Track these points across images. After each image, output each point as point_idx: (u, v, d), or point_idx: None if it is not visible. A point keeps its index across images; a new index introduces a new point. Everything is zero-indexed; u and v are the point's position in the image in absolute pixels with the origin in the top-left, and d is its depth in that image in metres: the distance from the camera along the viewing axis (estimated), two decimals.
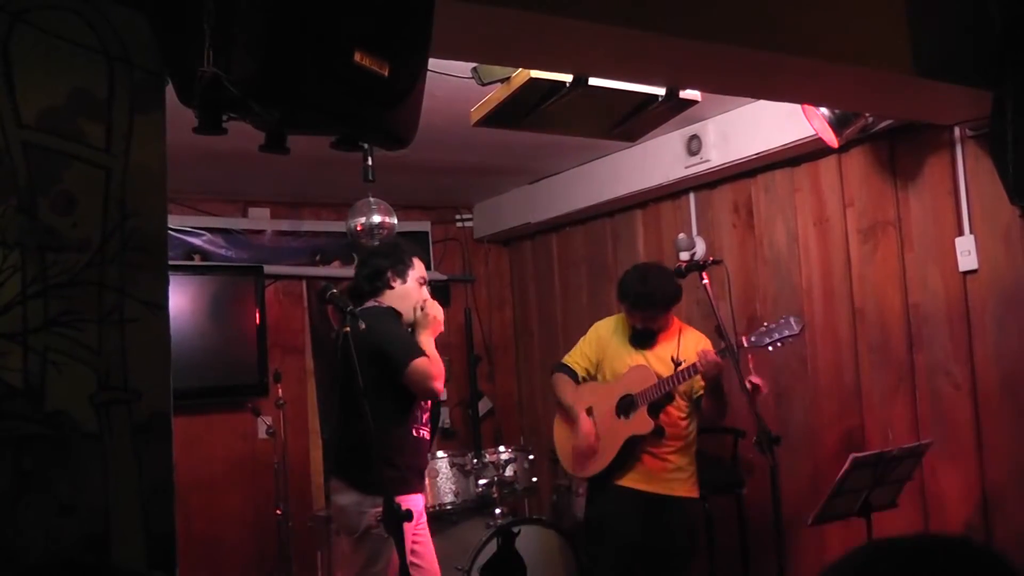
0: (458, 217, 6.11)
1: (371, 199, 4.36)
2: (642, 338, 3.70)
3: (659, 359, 3.65)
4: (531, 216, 5.57)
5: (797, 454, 4.09)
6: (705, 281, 3.19)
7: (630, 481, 3.60)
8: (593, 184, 5.04)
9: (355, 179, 4.00)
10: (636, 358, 3.69)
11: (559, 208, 5.33)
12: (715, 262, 3.26)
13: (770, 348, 3.21)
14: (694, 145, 4.33)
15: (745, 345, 3.24)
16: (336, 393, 3.03)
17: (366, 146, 2.09)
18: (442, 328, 3.20)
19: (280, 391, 4.72)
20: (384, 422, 2.97)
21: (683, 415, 3.65)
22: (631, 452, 3.58)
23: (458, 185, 5.52)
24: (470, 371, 5.78)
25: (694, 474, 3.68)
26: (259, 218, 5.42)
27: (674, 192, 4.77)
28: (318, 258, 5.55)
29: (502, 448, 4.46)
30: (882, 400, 3.80)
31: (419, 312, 3.17)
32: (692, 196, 4.72)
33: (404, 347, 3.01)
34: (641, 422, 3.54)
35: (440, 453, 4.39)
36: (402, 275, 3.20)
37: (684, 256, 4.52)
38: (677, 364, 3.58)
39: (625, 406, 3.61)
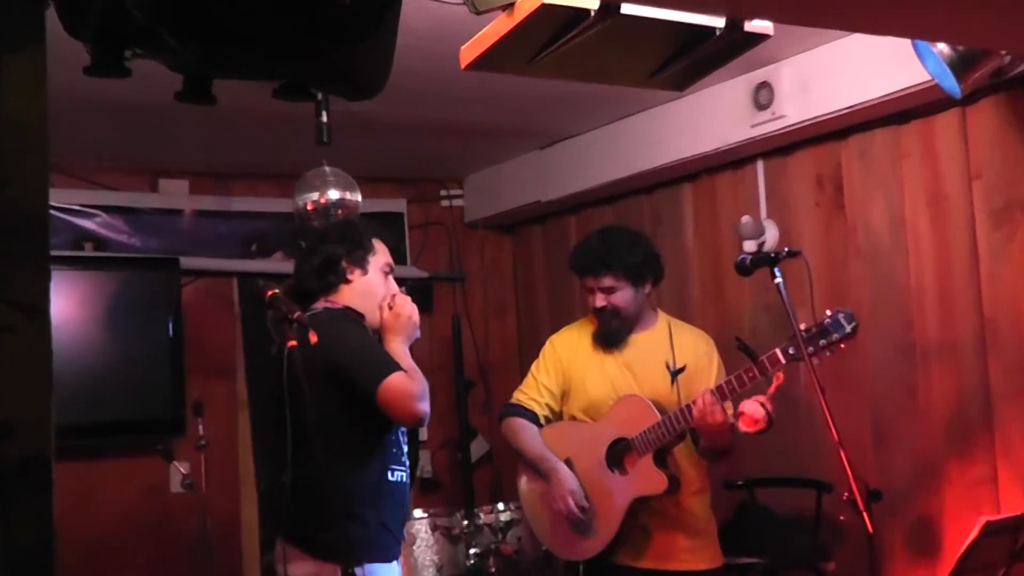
0: (443, 194, 6.13)
1: (326, 169, 4.38)
2: (611, 335, 3.71)
3: (648, 368, 3.67)
4: (542, 193, 5.60)
5: (902, 514, 4.09)
6: (778, 280, 3.19)
7: (638, 559, 3.62)
8: (626, 149, 5.05)
9: (305, 142, 3.99)
10: (615, 370, 3.72)
11: (579, 182, 5.35)
12: (791, 254, 3.26)
13: (815, 360, 3.20)
14: (763, 96, 4.34)
15: (782, 360, 3.25)
16: (280, 428, 3.03)
17: (319, 95, 2.09)
18: (418, 332, 3.21)
19: (202, 428, 4.72)
20: (346, 462, 2.98)
21: (689, 455, 3.68)
22: (634, 518, 3.60)
23: (443, 151, 5.53)
24: (459, 401, 5.80)
25: (714, 532, 3.73)
26: (174, 193, 5.43)
27: (736, 160, 4.78)
28: (254, 248, 5.57)
29: (501, 506, 4.49)
30: (1023, 442, 3.80)
31: (386, 311, 3.18)
32: (760, 165, 4.73)
33: (372, 360, 3.02)
34: (648, 477, 3.55)
35: (418, 512, 4.40)
36: (361, 263, 3.21)
37: (749, 246, 4.52)
38: (676, 373, 3.61)
39: (618, 455, 3.63)
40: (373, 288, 3.21)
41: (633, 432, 3.57)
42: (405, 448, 3.18)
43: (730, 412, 3.50)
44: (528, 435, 3.80)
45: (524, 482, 3.88)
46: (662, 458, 3.58)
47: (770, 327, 4.55)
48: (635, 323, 3.73)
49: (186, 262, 5.23)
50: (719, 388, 3.40)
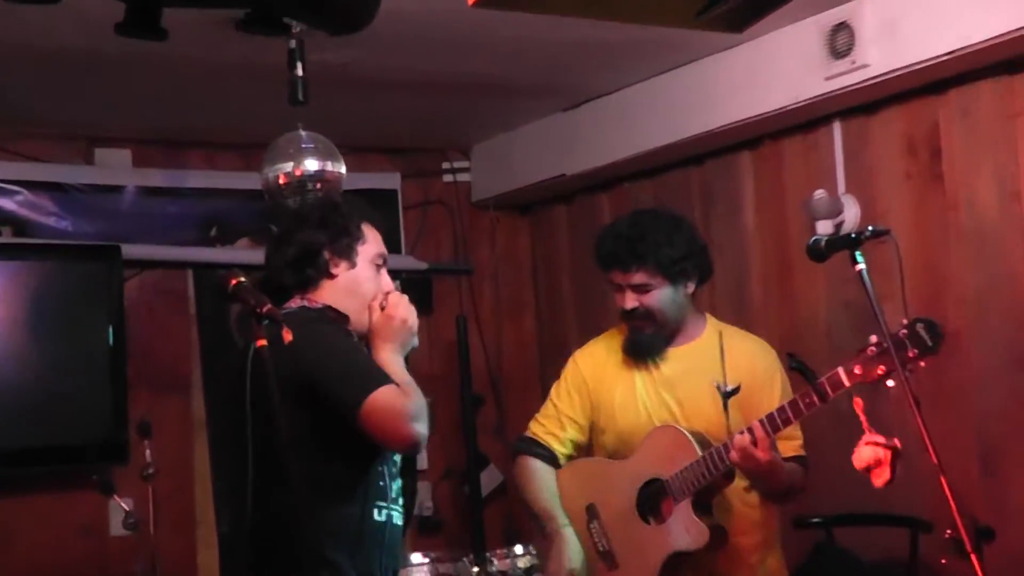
0: (447, 167, 6.12)
1: (302, 134, 4.36)
2: (643, 345, 3.70)
3: (692, 389, 3.66)
4: (567, 165, 5.59)
5: (1020, 557, 4.06)
6: (860, 266, 3.14)
7: None
8: (670, 110, 5.02)
9: (276, 100, 3.99)
10: (650, 392, 3.71)
11: (613, 151, 5.33)
12: (877, 233, 3.20)
13: (889, 383, 3.19)
14: (841, 40, 4.31)
15: (845, 383, 3.24)
16: (246, 453, 3.03)
17: (294, 28, 2.07)
18: (415, 339, 3.21)
19: (149, 454, 4.67)
20: (320, 497, 2.96)
21: (748, 489, 3.66)
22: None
23: (446, 113, 5.50)
24: (466, 422, 5.78)
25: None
26: (114, 166, 5.42)
27: (807, 121, 4.76)
28: (214, 233, 5.54)
29: (519, 549, 4.48)
30: None
31: (377, 313, 3.18)
32: (837, 127, 4.71)
33: (355, 371, 3.00)
34: (686, 527, 3.55)
35: (416, 557, 4.38)
36: (347, 254, 3.19)
37: (823, 227, 4.50)
38: (727, 394, 3.58)
39: (651, 499, 3.62)
40: (361, 284, 3.20)
41: (669, 471, 3.56)
42: (395, 482, 3.17)
43: (796, 441, 3.51)
44: (538, 483, 3.81)
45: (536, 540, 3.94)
46: (705, 503, 3.57)
47: (850, 329, 4.53)
48: (675, 331, 3.71)
49: (129, 251, 5.20)
50: (769, 419, 3.38)
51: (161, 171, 5.48)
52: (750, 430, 3.38)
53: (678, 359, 3.71)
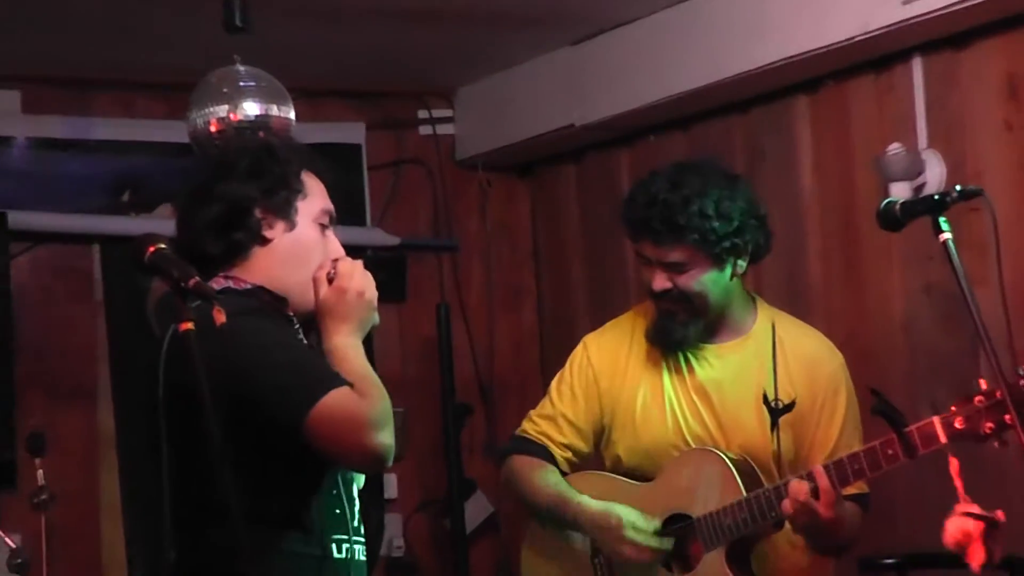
0: (424, 116, 6.13)
1: (240, 68, 4.34)
2: (671, 335, 3.66)
3: (734, 400, 3.67)
4: (576, 113, 5.60)
5: None
6: (945, 235, 3.13)
7: None
8: (706, 44, 5.04)
9: (208, 29, 3.94)
10: (681, 398, 3.69)
11: (634, 95, 5.35)
12: (966, 195, 3.21)
13: (996, 443, 3.18)
14: None
15: (941, 438, 3.23)
16: (171, 468, 2.92)
17: None
18: (375, 315, 3.17)
19: (42, 475, 4.66)
20: (262, 531, 2.91)
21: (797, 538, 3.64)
22: None
23: (424, 47, 5.52)
24: (448, 439, 5.79)
25: None
26: None
27: (880, 57, 4.78)
28: (127, 197, 5.56)
29: None
30: None
31: (324, 286, 3.14)
32: (917, 64, 4.72)
33: (298, 376, 2.97)
34: None
35: None
36: (284, 211, 3.14)
37: (898, 189, 4.51)
38: (778, 412, 3.59)
39: (679, 540, 3.63)
40: (304, 250, 3.15)
41: (701, 508, 3.57)
42: (354, 506, 3.14)
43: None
44: (539, 474, 3.78)
45: (528, 555, 3.89)
46: (743, 553, 3.57)
47: (933, 320, 4.55)
48: (717, 322, 3.70)
49: (18, 219, 5.23)
50: (837, 466, 3.35)
51: (59, 118, 5.49)
52: (811, 476, 3.35)
53: (719, 359, 3.70)
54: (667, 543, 3.58)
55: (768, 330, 3.70)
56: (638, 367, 3.77)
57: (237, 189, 3.10)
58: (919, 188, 4.53)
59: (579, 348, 3.90)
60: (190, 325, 2.62)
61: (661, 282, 3.59)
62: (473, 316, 6.11)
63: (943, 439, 3.22)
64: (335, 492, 3.07)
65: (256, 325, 3.01)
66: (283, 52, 4.59)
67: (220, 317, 2.65)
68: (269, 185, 3.11)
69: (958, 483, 3.15)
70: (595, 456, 3.86)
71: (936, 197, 3.18)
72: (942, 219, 3.14)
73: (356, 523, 3.11)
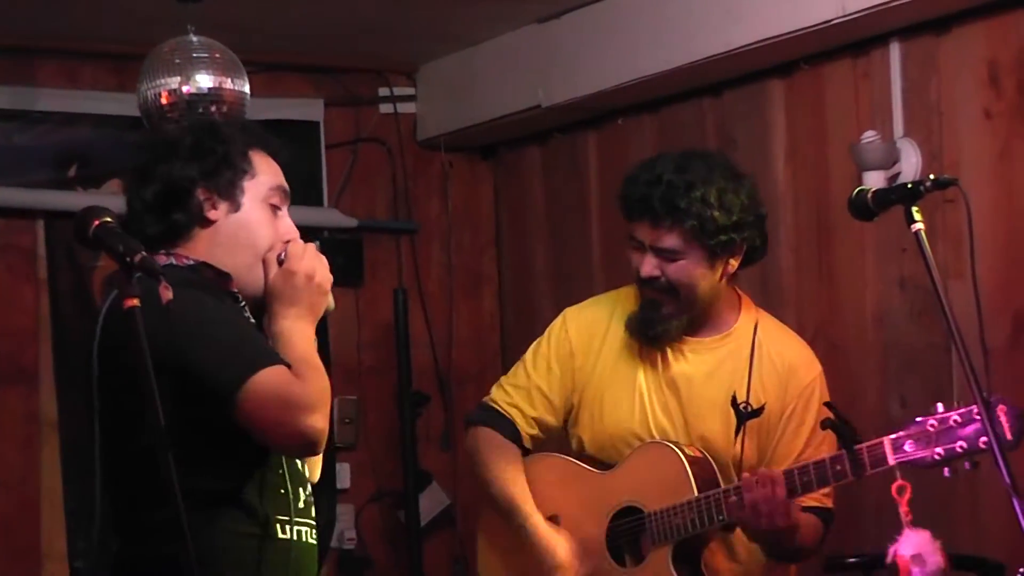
0: (384, 93, 6.13)
1: (193, 39, 4.35)
2: (650, 325, 3.66)
3: (703, 399, 3.69)
4: (543, 93, 5.59)
5: None
6: (917, 226, 3.15)
7: None
8: (679, 23, 5.04)
9: None
10: (652, 389, 3.70)
11: (603, 76, 5.34)
12: (940, 185, 3.22)
13: (946, 472, 3.22)
14: None
15: (889, 461, 3.25)
16: (111, 454, 2.98)
17: None
18: (330, 300, 3.17)
19: None
20: (210, 515, 2.95)
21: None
22: None
23: (385, 21, 5.52)
24: (404, 429, 5.79)
25: None
26: None
27: (856, 42, 4.77)
28: (73, 172, 5.56)
29: None
30: None
31: (274, 268, 3.13)
32: (895, 49, 4.71)
33: (233, 349, 2.97)
34: None
35: None
36: (228, 192, 3.13)
37: (873, 178, 4.49)
38: (746, 415, 3.61)
39: (630, 533, 3.68)
40: (251, 232, 3.15)
41: (653, 503, 3.61)
42: (301, 488, 3.14)
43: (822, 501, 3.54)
44: (503, 462, 3.79)
45: (483, 540, 3.94)
46: (691, 553, 3.61)
47: (907, 315, 4.54)
48: (700, 318, 3.70)
49: None
50: (786, 476, 3.39)
51: (4, 88, 5.44)
52: (772, 482, 3.37)
53: (695, 354, 3.72)
54: None
55: (749, 331, 3.72)
56: (612, 351, 3.78)
57: (177, 170, 3.10)
58: (894, 177, 4.51)
59: (559, 320, 3.91)
60: (135, 301, 2.62)
61: (650, 268, 3.60)
62: (432, 302, 6.11)
63: (891, 462, 3.25)
64: (280, 472, 3.08)
65: (195, 299, 3.00)
66: (239, 23, 4.57)
67: (167, 294, 2.66)
68: (211, 166, 3.11)
69: (904, 511, 3.17)
70: (562, 432, 3.87)
71: (909, 186, 3.20)
72: (915, 209, 3.15)
73: (302, 504, 3.12)
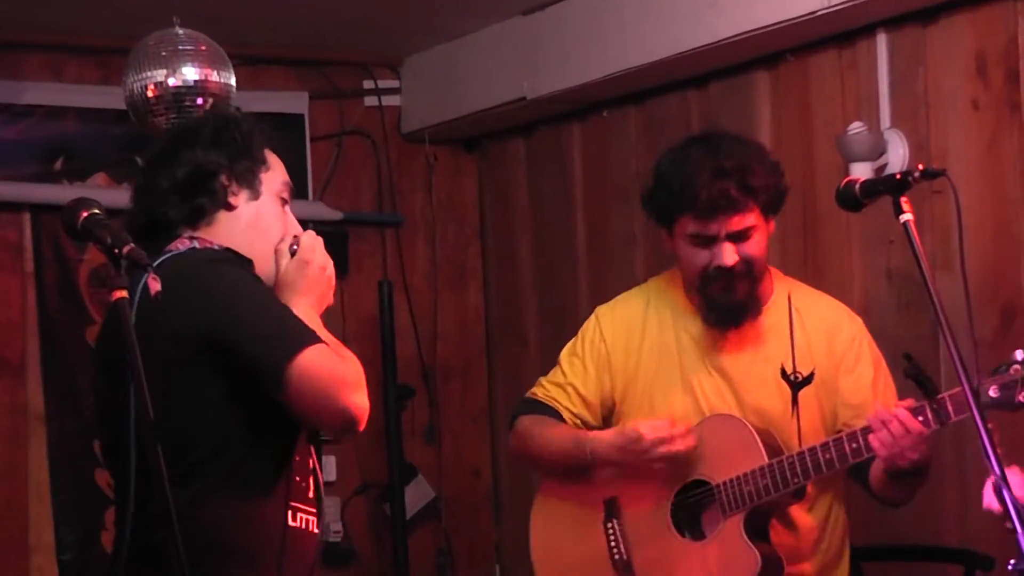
0: (368, 86, 6.14)
1: (179, 32, 4.33)
2: (742, 308, 3.66)
3: (754, 377, 3.71)
4: (527, 86, 5.59)
5: None
6: (906, 216, 3.14)
7: None
8: (663, 16, 5.02)
9: None
10: (702, 379, 3.71)
11: (587, 68, 5.34)
12: (928, 175, 3.21)
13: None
14: None
15: (991, 394, 3.23)
16: (101, 454, 3.01)
17: None
18: (331, 296, 3.19)
19: None
20: (221, 494, 2.98)
21: (810, 508, 3.69)
22: None
23: (370, 14, 5.51)
24: (389, 422, 5.79)
25: None
26: None
27: (843, 33, 4.77)
28: (60, 165, 5.54)
29: None
30: None
31: (286, 258, 3.16)
32: (882, 39, 4.72)
33: (279, 325, 3.00)
34: (732, 553, 3.59)
35: None
36: (249, 181, 3.18)
37: (860, 170, 4.50)
38: (798, 384, 3.62)
39: (693, 508, 3.68)
40: (266, 221, 3.18)
41: (721, 475, 3.61)
42: (312, 477, 3.16)
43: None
44: (551, 425, 3.81)
45: (538, 515, 3.90)
46: (761, 524, 3.61)
47: (894, 306, 4.55)
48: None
49: None
50: (865, 432, 3.38)
51: None
52: (896, 418, 3.33)
53: (737, 334, 3.71)
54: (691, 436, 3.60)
55: (784, 302, 3.73)
56: (654, 347, 3.79)
57: (203, 154, 3.14)
58: (880, 169, 4.52)
59: (591, 320, 3.91)
60: (124, 293, 2.63)
61: (732, 255, 3.58)
62: (417, 295, 6.12)
63: (991, 390, 3.24)
64: (298, 459, 3.10)
65: (235, 274, 3.05)
66: (222, 18, 4.56)
67: (155, 285, 2.66)
68: (234, 153, 3.15)
69: (990, 452, 3.06)
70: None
71: (897, 177, 3.19)
72: (903, 200, 3.15)
73: (311, 494, 3.13)
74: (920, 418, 3.31)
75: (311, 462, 3.16)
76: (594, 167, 5.68)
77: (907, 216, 3.13)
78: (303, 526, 3.10)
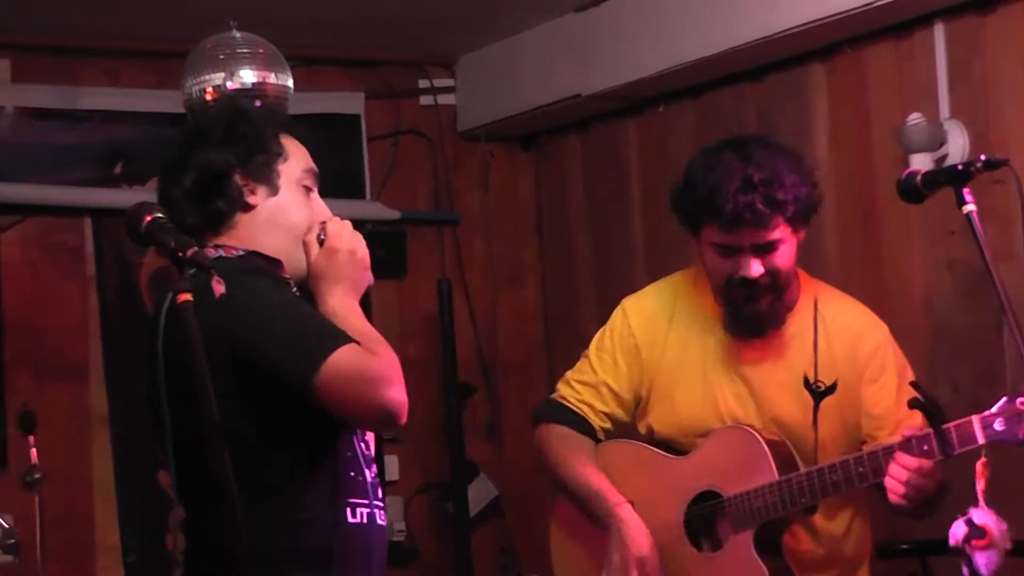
0: (424, 86, 6.14)
1: (236, 35, 4.33)
2: (765, 318, 3.64)
3: (773, 385, 3.69)
4: (582, 83, 5.61)
5: None
6: (968, 208, 3.15)
7: None
8: (719, 9, 5.04)
9: None
10: (723, 383, 3.71)
11: (642, 64, 5.34)
12: (991, 165, 3.21)
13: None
14: None
15: (979, 439, 3.21)
16: (167, 447, 3.01)
17: None
18: (369, 275, 3.17)
19: (35, 454, 4.68)
20: (271, 499, 2.98)
21: (830, 517, 3.68)
22: None
23: (425, 13, 5.52)
24: (449, 420, 5.81)
25: None
26: None
27: (900, 23, 4.76)
28: (119, 170, 5.56)
29: None
30: None
31: (315, 248, 3.15)
32: (940, 29, 4.71)
33: (304, 333, 2.99)
34: (741, 567, 3.60)
35: None
36: (265, 176, 3.15)
37: (919, 160, 4.49)
38: (820, 394, 3.60)
39: (707, 518, 3.68)
40: (289, 214, 3.17)
41: (732, 487, 3.60)
42: (369, 469, 3.15)
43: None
44: (577, 452, 3.80)
45: (557, 533, 3.91)
46: (771, 538, 3.60)
47: (956, 297, 4.54)
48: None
49: (7, 191, 5.24)
50: (871, 456, 3.38)
51: (49, 87, 5.47)
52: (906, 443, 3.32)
53: (762, 338, 3.70)
54: None
55: (810, 308, 3.71)
56: (679, 341, 3.78)
57: (213, 156, 3.11)
58: (940, 160, 4.51)
59: (618, 312, 3.89)
60: (188, 296, 2.61)
61: (757, 268, 3.55)
62: (475, 292, 6.14)
63: (980, 440, 3.20)
64: (349, 455, 3.10)
65: (254, 287, 3.02)
66: (278, 20, 4.57)
67: (219, 288, 2.66)
68: (246, 150, 3.12)
69: (980, 486, 3.10)
70: (631, 423, 3.86)
71: (959, 167, 3.20)
72: (966, 191, 3.14)
73: (369, 487, 3.12)
74: (924, 447, 3.28)
75: (364, 454, 3.14)
76: (650, 162, 5.67)
77: (970, 207, 3.13)
78: (363, 520, 3.09)
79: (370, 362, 2.94)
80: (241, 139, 3.15)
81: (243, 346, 2.96)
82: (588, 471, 3.76)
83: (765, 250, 3.55)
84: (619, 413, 3.83)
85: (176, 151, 3.22)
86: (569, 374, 3.91)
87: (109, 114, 5.53)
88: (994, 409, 3.21)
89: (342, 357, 2.92)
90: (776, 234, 3.54)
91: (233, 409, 2.91)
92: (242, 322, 2.96)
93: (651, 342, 3.80)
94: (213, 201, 3.12)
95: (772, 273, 3.57)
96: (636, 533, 3.65)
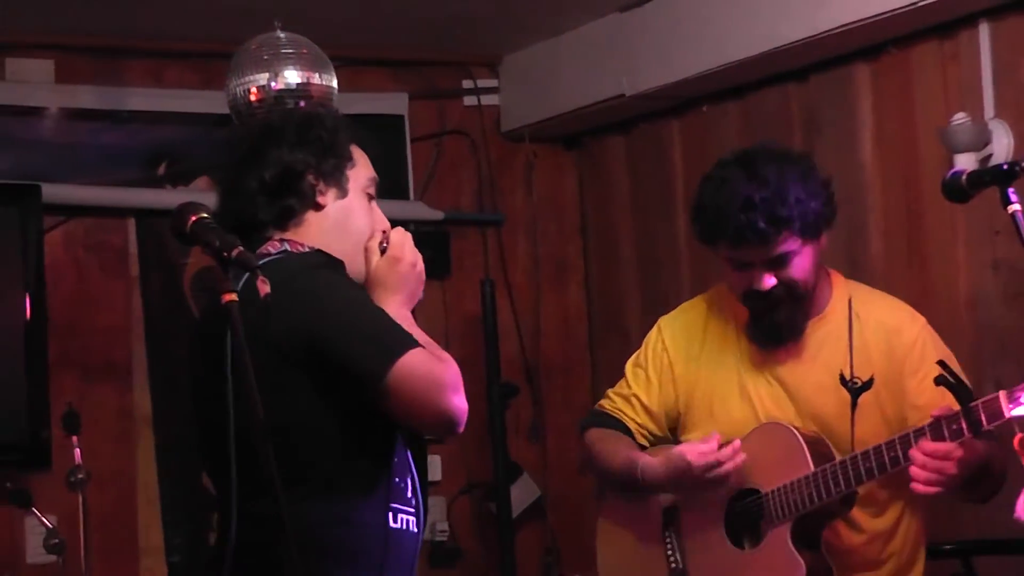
0: (468, 86, 6.16)
1: (281, 35, 4.35)
2: (785, 326, 3.66)
3: (810, 384, 3.70)
4: (626, 82, 5.60)
5: None
6: (1014, 208, 3.13)
7: None
8: (763, 9, 5.03)
9: None
10: (760, 388, 3.72)
11: (686, 63, 5.35)
12: None
13: None
14: None
15: (1006, 413, 3.21)
16: (211, 455, 3.05)
17: None
18: (421, 291, 3.21)
19: (79, 454, 4.74)
20: (324, 499, 3.01)
21: (878, 514, 3.67)
22: None
23: (469, 16, 5.54)
24: (493, 421, 5.81)
25: None
26: (30, 80, 5.44)
27: (945, 23, 4.75)
28: (163, 170, 5.58)
29: None
30: None
31: (376, 255, 3.18)
32: (984, 30, 4.70)
33: (378, 331, 3.01)
34: (779, 563, 3.59)
35: None
36: (337, 179, 3.19)
37: (964, 160, 4.49)
38: (857, 390, 3.59)
39: (748, 516, 3.68)
40: (355, 219, 3.20)
41: (770, 483, 3.61)
42: (409, 477, 3.17)
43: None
44: (616, 442, 3.84)
45: (604, 531, 3.93)
46: (811, 533, 3.60)
47: (1001, 298, 4.53)
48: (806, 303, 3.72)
49: (52, 192, 5.23)
50: (889, 444, 3.39)
51: (93, 88, 5.48)
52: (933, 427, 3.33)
53: (795, 341, 3.71)
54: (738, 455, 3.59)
55: (844, 307, 3.71)
56: (713, 354, 3.81)
57: (290, 154, 3.15)
58: (985, 159, 4.50)
59: (654, 331, 3.94)
60: (234, 296, 2.64)
61: (768, 280, 3.58)
62: (518, 293, 6.14)
63: (1008, 413, 3.20)
64: (397, 460, 3.11)
65: (330, 280, 3.06)
66: (322, 20, 4.58)
67: (264, 288, 2.67)
68: (320, 151, 3.16)
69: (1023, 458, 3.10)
70: (670, 439, 3.86)
71: (1004, 167, 3.19)
72: (1010, 190, 3.14)
73: (409, 494, 3.14)
74: (953, 426, 3.27)
75: (409, 462, 3.16)
76: (694, 162, 5.62)
77: (1015, 206, 3.12)
78: (403, 526, 3.11)
79: (437, 367, 2.97)
80: (316, 141, 3.18)
81: (322, 337, 2.97)
82: (626, 452, 3.79)
83: (776, 264, 3.57)
84: (651, 426, 3.86)
85: (249, 147, 3.25)
86: (610, 390, 3.96)
87: (153, 115, 5.56)
88: (1020, 385, 3.21)
89: (414, 359, 2.94)
90: (785, 247, 3.55)
91: (300, 403, 2.97)
92: (324, 314, 2.99)
93: (685, 357, 3.83)
94: (286, 198, 3.16)
95: (787, 284, 3.59)
96: (686, 447, 3.63)
